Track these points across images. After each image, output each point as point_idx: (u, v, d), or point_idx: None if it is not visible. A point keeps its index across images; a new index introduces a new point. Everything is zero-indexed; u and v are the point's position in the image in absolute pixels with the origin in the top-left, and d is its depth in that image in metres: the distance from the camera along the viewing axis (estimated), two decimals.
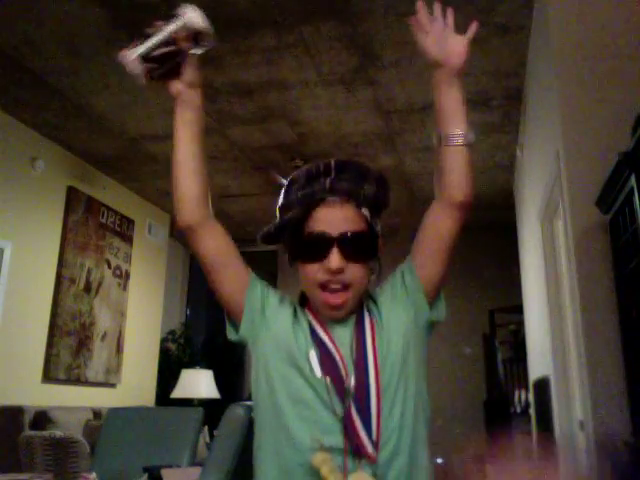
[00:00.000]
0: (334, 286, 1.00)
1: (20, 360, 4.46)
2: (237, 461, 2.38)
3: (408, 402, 1.01)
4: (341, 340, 1.02)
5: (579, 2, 2.59)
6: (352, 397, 0.96)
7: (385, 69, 3.82)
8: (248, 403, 2.59)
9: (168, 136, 5.28)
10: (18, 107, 4.36)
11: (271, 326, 1.04)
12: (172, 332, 6.97)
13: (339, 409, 0.95)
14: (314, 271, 1.01)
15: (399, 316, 1.06)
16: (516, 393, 5.38)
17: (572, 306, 2.51)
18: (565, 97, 2.51)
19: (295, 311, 1.07)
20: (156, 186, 5.83)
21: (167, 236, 6.63)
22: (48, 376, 4.66)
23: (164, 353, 6.51)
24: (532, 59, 3.47)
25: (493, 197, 6.07)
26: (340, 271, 0.99)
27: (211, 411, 3.99)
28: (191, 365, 6.21)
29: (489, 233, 6.86)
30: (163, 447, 2.91)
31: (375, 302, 1.09)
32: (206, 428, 4.94)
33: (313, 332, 1.03)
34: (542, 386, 3.58)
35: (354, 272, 1.01)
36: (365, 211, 1.04)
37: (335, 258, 0.99)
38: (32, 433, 3.55)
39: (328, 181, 1.03)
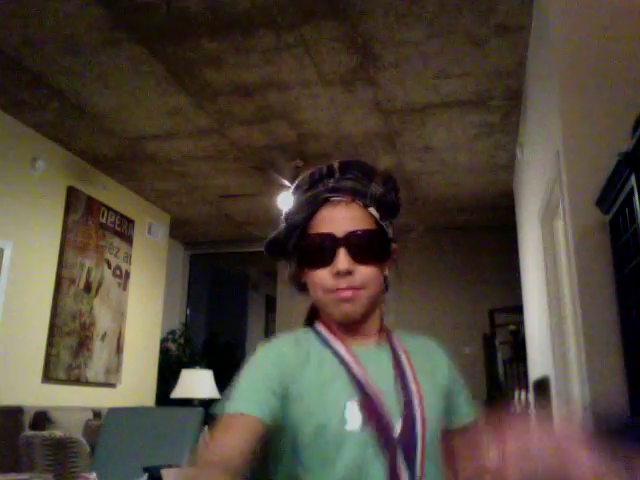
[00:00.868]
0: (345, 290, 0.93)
1: (20, 360, 4.46)
2: None
3: (439, 453, 0.93)
4: (377, 375, 0.91)
5: (579, 2, 2.59)
6: (399, 448, 0.86)
7: (385, 69, 3.82)
8: None
9: (168, 136, 5.32)
10: (18, 107, 4.36)
11: (301, 394, 0.89)
12: (172, 332, 6.97)
13: (384, 464, 0.85)
14: (322, 277, 0.93)
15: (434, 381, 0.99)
16: (516, 393, 5.38)
17: (572, 306, 2.51)
18: (565, 97, 2.50)
19: (309, 354, 0.93)
20: (156, 186, 5.83)
21: (167, 236, 6.63)
22: (48, 376, 4.66)
23: (164, 353, 6.51)
24: (532, 59, 3.47)
25: (493, 197, 6.08)
26: (349, 273, 0.91)
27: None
28: (191, 365, 6.21)
29: (489, 233, 6.87)
30: (163, 447, 2.91)
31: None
32: (206, 428, 4.94)
33: (345, 366, 0.90)
34: (542, 386, 3.58)
35: (365, 274, 0.93)
36: (373, 211, 0.98)
37: (342, 259, 0.92)
38: (32, 433, 3.55)
39: (332, 181, 0.98)
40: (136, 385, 5.77)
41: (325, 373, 0.90)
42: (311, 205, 0.97)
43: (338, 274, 0.92)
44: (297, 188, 1.02)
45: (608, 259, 2.21)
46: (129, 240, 5.81)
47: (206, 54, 3.66)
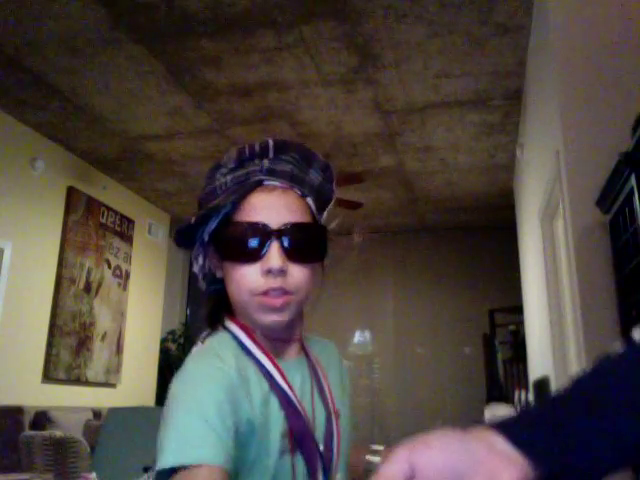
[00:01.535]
0: (273, 293, 0.78)
1: (20, 360, 4.46)
2: None
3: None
4: (301, 392, 0.82)
5: (579, 2, 2.59)
6: (320, 466, 0.79)
7: (385, 69, 3.82)
8: None
9: (168, 136, 5.32)
10: (18, 107, 4.36)
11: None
12: (172, 332, 6.97)
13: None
14: (248, 275, 0.78)
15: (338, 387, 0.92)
16: (516, 393, 5.38)
17: (572, 306, 2.51)
18: (565, 97, 2.50)
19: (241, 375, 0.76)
20: (156, 186, 5.83)
21: (167, 236, 6.63)
22: (48, 376, 4.66)
23: (164, 353, 6.51)
24: (532, 59, 3.47)
25: (493, 197, 6.08)
26: (282, 272, 0.77)
27: None
28: None
29: (489, 233, 6.87)
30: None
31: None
32: None
33: (275, 387, 0.78)
34: (542, 386, 3.58)
35: (299, 276, 0.78)
36: (310, 202, 0.84)
37: (276, 256, 0.77)
38: (32, 433, 3.55)
39: (266, 162, 0.83)
40: (136, 385, 5.77)
41: (255, 395, 0.75)
42: (241, 187, 0.81)
43: (269, 272, 0.77)
44: (218, 167, 0.86)
45: (608, 259, 2.21)
46: (129, 240, 5.81)
47: (206, 54, 3.66)
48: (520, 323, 5.30)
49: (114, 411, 3.28)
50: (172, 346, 6.88)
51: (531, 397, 4.51)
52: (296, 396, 0.79)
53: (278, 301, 0.77)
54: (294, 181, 0.83)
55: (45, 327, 4.72)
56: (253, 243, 0.78)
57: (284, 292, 0.78)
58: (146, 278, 6.12)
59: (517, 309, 5.23)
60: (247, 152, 0.83)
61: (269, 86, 4.03)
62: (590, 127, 2.41)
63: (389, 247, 7.30)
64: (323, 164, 0.88)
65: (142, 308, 5.98)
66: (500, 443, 0.42)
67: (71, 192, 5.05)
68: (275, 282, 0.77)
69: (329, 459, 0.81)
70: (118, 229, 5.65)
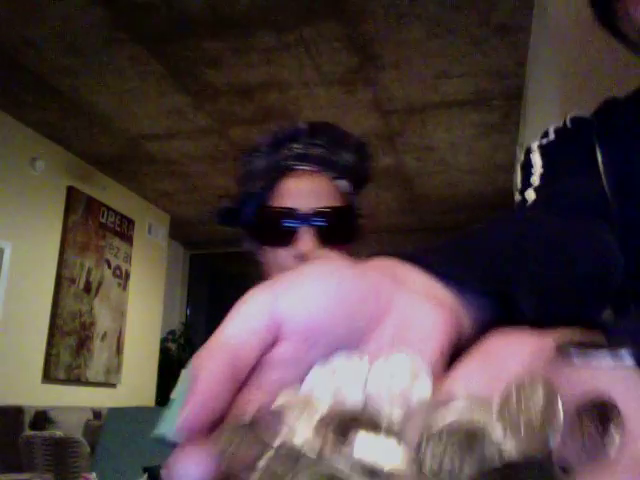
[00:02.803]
0: None
1: (20, 360, 4.46)
2: None
3: None
4: None
5: (579, 2, 2.59)
6: None
7: (385, 69, 3.82)
8: None
9: (168, 136, 5.30)
10: (18, 107, 4.36)
11: None
12: (172, 332, 6.97)
13: None
14: (280, 258, 0.81)
15: None
16: None
17: None
18: (565, 97, 2.51)
19: None
20: (156, 186, 5.83)
21: (167, 236, 6.63)
22: (48, 376, 4.66)
23: (164, 353, 6.51)
24: (532, 59, 3.47)
25: (493, 197, 6.08)
26: (311, 257, 0.79)
27: None
28: None
29: None
30: (163, 447, 2.91)
31: None
32: None
33: None
34: None
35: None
36: (342, 184, 0.85)
37: (305, 240, 0.79)
38: (32, 433, 3.55)
39: (297, 147, 0.85)
40: (136, 385, 5.77)
41: None
42: (272, 172, 0.83)
43: (300, 257, 0.79)
44: (255, 150, 0.88)
45: None
46: (129, 240, 5.81)
47: (206, 54, 3.66)
48: None
49: (114, 411, 3.28)
50: (172, 346, 6.88)
51: None
52: None
53: None
54: (324, 165, 0.84)
55: (45, 327, 4.72)
56: (283, 228, 0.81)
57: None
58: (146, 278, 6.11)
59: None
60: (281, 136, 0.86)
61: (269, 86, 4.04)
62: None
63: (389, 247, 7.29)
64: (357, 144, 0.89)
65: (142, 308, 5.98)
66: (416, 275, 0.28)
67: (71, 192, 5.05)
68: None
69: None
70: (118, 229, 5.65)
